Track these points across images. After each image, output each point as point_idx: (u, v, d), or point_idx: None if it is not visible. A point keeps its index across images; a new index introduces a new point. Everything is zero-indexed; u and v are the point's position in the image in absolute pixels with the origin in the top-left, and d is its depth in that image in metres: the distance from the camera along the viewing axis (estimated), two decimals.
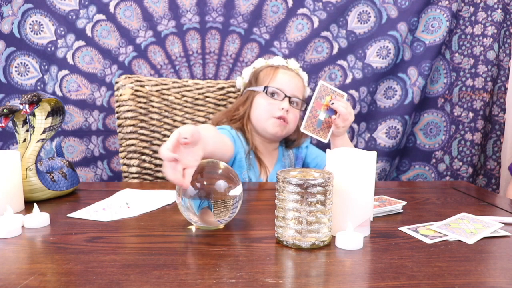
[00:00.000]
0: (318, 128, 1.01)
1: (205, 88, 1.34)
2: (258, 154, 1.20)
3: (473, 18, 1.46)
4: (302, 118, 1.04)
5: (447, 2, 1.41)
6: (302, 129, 1.03)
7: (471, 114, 1.49)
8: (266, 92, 1.16)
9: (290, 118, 1.17)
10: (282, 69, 1.20)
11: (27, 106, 0.82)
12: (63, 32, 1.38)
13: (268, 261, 0.59)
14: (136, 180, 1.26)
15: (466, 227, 0.72)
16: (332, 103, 1.02)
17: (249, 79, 1.25)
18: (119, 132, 1.26)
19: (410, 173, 1.54)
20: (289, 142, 1.26)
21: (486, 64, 1.46)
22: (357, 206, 0.67)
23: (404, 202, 0.86)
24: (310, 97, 1.45)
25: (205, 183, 0.70)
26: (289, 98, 1.16)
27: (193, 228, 0.74)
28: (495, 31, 1.44)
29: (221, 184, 0.70)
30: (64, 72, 1.40)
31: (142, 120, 1.26)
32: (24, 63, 1.39)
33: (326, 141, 1.04)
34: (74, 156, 1.44)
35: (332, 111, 1.03)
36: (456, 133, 1.51)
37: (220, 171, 0.73)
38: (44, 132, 0.90)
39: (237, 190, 0.72)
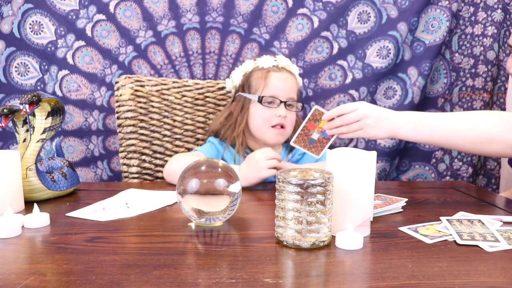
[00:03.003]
0: (310, 145, 0.99)
1: (205, 88, 1.34)
2: None
3: (473, 18, 1.46)
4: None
5: (447, 2, 1.41)
6: (292, 143, 1.00)
7: None
8: (261, 102, 1.15)
9: (287, 122, 1.17)
10: (273, 72, 1.17)
11: (27, 106, 0.82)
12: (63, 32, 1.38)
13: (268, 261, 0.59)
14: (136, 180, 1.26)
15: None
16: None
17: (241, 82, 1.22)
18: (119, 132, 1.26)
19: (410, 173, 1.54)
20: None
21: (486, 64, 1.46)
22: (357, 206, 0.67)
23: (406, 199, 0.86)
24: (304, 99, 1.45)
25: (204, 180, 0.71)
26: (285, 102, 1.16)
27: (192, 225, 0.74)
28: (495, 31, 1.44)
29: (220, 181, 0.71)
30: (64, 72, 1.40)
31: (142, 120, 1.26)
32: (24, 63, 1.39)
33: (318, 157, 1.03)
34: (74, 156, 1.44)
35: (326, 133, 0.98)
36: None
37: (218, 169, 0.73)
38: (44, 132, 0.90)
39: (236, 187, 0.72)
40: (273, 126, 1.16)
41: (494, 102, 1.52)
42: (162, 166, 1.29)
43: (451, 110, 1.50)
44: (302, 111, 1.29)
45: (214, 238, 0.68)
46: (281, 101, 1.15)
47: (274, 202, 0.66)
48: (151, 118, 1.27)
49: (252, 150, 1.21)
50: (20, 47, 1.38)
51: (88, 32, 1.38)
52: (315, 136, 0.97)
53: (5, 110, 0.84)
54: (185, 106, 1.31)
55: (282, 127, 1.17)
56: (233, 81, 1.25)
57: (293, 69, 1.23)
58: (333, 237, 0.66)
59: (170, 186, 1.07)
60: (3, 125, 0.83)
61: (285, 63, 1.21)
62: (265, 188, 1.03)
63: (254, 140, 1.21)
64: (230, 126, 1.21)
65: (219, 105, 1.35)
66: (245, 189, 0.82)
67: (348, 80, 1.45)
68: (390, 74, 1.45)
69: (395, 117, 0.90)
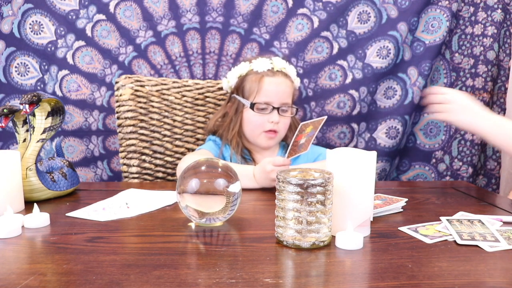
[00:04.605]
0: (300, 149, 1.00)
1: (205, 88, 1.34)
2: (252, 156, 1.21)
3: (473, 18, 1.46)
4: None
5: (447, 2, 1.41)
6: (286, 158, 0.99)
7: None
8: (253, 109, 1.15)
9: (280, 128, 1.16)
10: (267, 76, 1.16)
11: (27, 106, 0.82)
12: (63, 32, 1.38)
13: (268, 261, 0.59)
14: (136, 180, 1.26)
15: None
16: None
17: (236, 85, 1.22)
18: (119, 132, 1.26)
19: (410, 173, 1.54)
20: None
21: (486, 64, 1.46)
22: (357, 206, 0.67)
23: (406, 199, 0.86)
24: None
25: (204, 180, 0.71)
26: (278, 108, 1.15)
27: (192, 225, 0.74)
28: (495, 31, 1.44)
29: (220, 181, 0.71)
30: (64, 72, 1.40)
31: (142, 120, 1.26)
32: (24, 63, 1.40)
33: (307, 151, 1.02)
34: (74, 156, 1.44)
35: (311, 133, 0.99)
36: (456, 133, 1.51)
37: (218, 169, 0.73)
38: (44, 132, 0.90)
39: (236, 187, 0.72)
40: (265, 131, 1.16)
41: (494, 102, 1.52)
42: (162, 166, 1.30)
43: None
44: (297, 114, 1.28)
45: (214, 238, 0.68)
46: (274, 107, 1.15)
47: (274, 202, 0.66)
48: (151, 118, 1.27)
49: (249, 151, 1.21)
50: (20, 47, 1.38)
51: (88, 32, 1.39)
52: (302, 141, 0.98)
53: (5, 110, 0.84)
54: (185, 106, 1.31)
55: (275, 132, 1.16)
56: (229, 82, 1.25)
57: (290, 71, 1.21)
58: (333, 237, 0.66)
59: (170, 186, 1.07)
60: (3, 125, 0.83)
61: (280, 66, 1.19)
62: (265, 188, 1.03)
63: (249, 141, 1.21)
64: (226, 126, 1.21)
65: (219, 105, 1.35)
66: (245, 189, 0.82)
67: (348, 80, 1.45)
68: (390, 74, 1.45)
69: (481, 109, 0.98)
